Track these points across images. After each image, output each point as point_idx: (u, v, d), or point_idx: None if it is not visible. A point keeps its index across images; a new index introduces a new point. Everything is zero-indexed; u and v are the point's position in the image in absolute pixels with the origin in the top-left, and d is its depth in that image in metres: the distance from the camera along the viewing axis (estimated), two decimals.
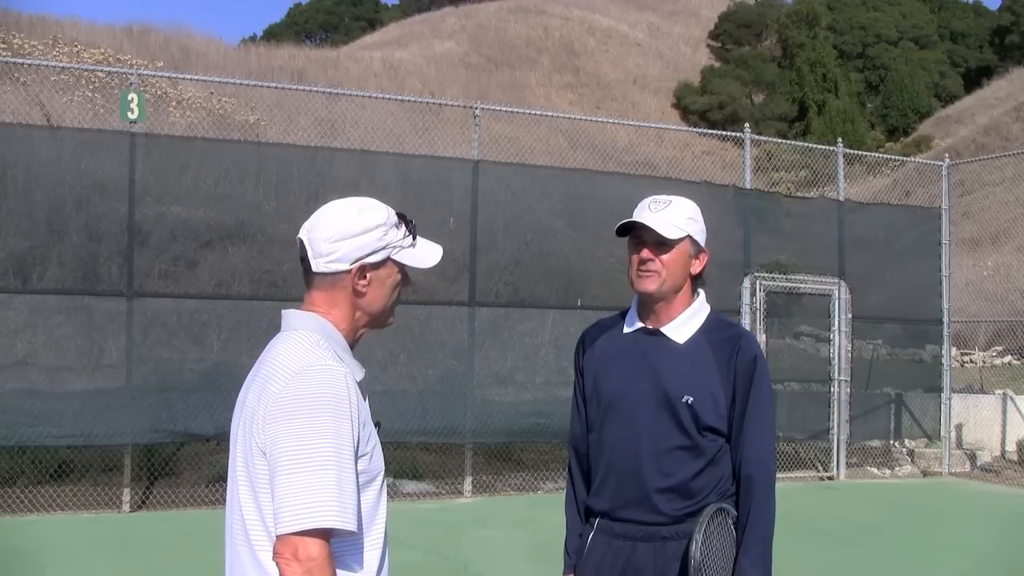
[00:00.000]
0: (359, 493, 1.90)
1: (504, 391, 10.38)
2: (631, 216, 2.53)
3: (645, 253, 2.49)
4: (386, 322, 2.13)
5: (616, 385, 2.55)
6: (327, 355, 1.95)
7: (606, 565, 2.51)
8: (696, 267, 2.55)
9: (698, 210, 2.56)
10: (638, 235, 2.51)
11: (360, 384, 2.01)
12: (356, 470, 1.90)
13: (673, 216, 2.48)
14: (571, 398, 2.74)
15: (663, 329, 2.55)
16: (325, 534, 1.82)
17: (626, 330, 2.62)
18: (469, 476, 9.86)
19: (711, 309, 2.60)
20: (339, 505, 1.82)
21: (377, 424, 2.07)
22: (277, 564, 1.83)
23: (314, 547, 1.80)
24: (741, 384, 2.49)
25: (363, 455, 1.95)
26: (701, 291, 2.61)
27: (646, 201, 2.53)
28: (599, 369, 2.61)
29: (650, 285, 2.50)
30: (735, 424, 2.50)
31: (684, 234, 2.49)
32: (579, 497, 2.68)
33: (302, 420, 1.85)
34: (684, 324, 2.54)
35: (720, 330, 2.56)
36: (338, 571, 1.87)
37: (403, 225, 2.08)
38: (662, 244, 2.48)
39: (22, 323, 8.83)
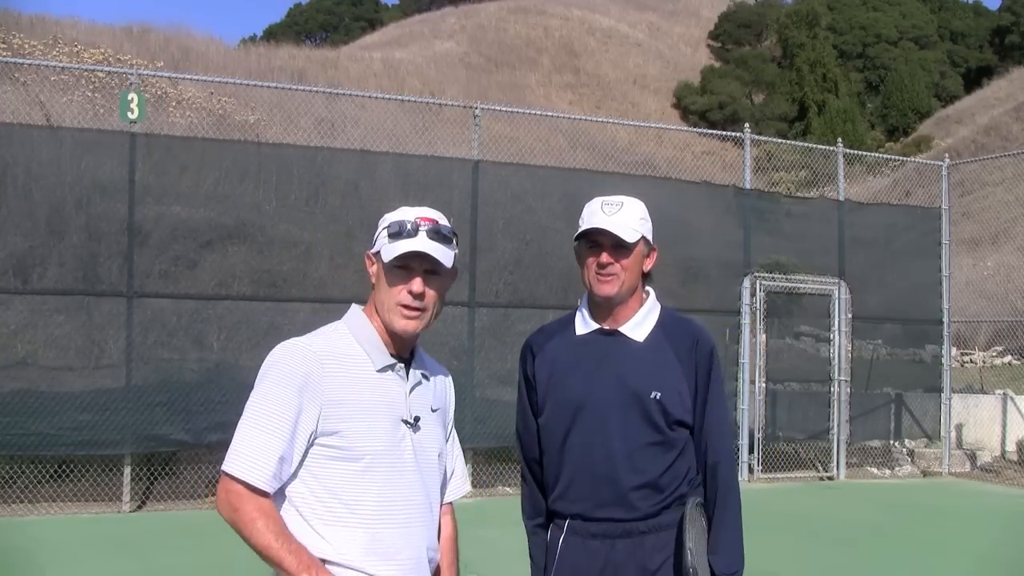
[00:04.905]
0: (291, 453, 2.04)
1: (504, 391, 10.36)
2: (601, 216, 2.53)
3: (604, 257, 2.48)
4: (390, 319, 2.19)
5: (579, 389, 2.52)
6: (314, 336, 2.14)
7: (582, 566, 2.49)
8: (648, 265, 2.57)
9: (645, 208, 2.57)
10: (595, 239, 2.50)
11: (383, 370, 2.16)
12: (292, 435, 2.03)
13: (628, 219, 2.49)
14: (519, 407, 2.69)
15: (621, 328, 2.55)
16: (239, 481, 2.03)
17: (579, 332, 2.59)
18: (469, 476, 9.84)
19: (662, 306, 2.62)
20: (240, 456, 2.03)
21: (416, 420, 2.19)
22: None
23: (231, 488, 2.03)
24: (701, 376, 2.53)
25: (333, 432, 2.07)
26: (651, 289, 2.62)
27: (596, 203, 2.52)
28: (554, 374, 2.58)
29: (610, 289, 2.50)
30: (697, 414, 2.53)
31: (639, 236, 2.50)
32: (538, 506, 2.65)
33: (256, 386, 2.10)
34: (641, 322, 2.56)
35: (676, 325, 2.59)
36: (305, 539, 2.05)
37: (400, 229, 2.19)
38: (620, 247, 2.48)
39: (22, 323, 8.82)
